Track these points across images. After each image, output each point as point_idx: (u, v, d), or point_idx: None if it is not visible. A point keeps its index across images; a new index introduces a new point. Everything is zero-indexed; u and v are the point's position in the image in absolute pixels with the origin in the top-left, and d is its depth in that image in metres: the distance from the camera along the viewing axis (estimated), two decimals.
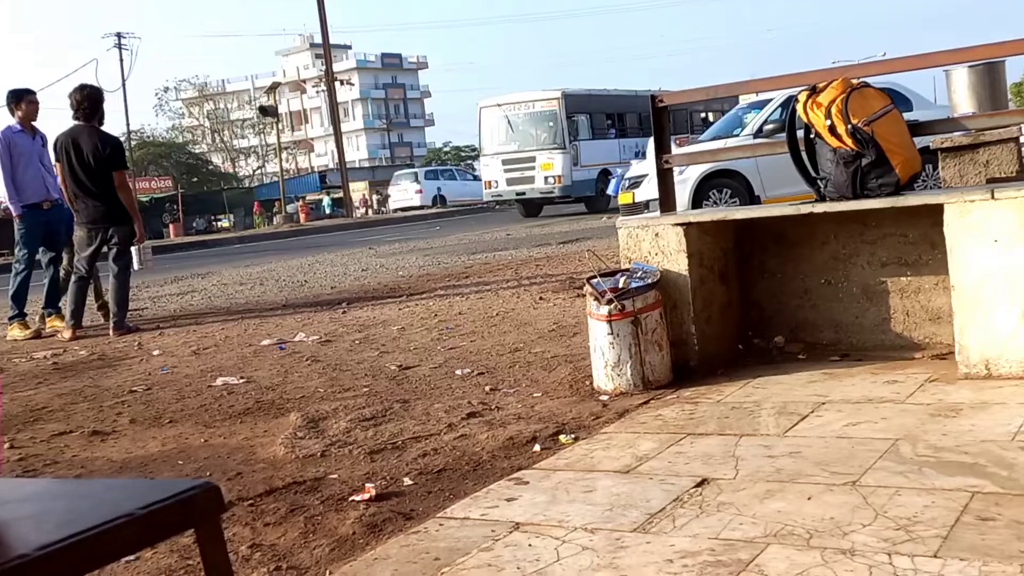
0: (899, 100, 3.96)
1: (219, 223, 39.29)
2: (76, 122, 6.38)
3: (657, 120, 3.91)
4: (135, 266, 6.54)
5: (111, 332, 6.31)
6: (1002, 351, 2.82)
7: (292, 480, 2.62)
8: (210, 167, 55.01)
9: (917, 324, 3.37)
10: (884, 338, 3.42)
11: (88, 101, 6.33)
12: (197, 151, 55.75)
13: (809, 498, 2.05)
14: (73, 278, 6.44)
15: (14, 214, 6.72)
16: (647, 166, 10.68)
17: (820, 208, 3.26)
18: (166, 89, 55.75)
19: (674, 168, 4.07)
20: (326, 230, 27.24)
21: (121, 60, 40.49)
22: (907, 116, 3.39)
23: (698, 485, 2.21)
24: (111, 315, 6.44)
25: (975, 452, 2.23)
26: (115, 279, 6.42)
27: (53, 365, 5.26)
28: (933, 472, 2.13)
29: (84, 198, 6.31)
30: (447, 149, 74.56)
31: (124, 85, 39.65)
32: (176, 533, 1.02)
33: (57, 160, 6.38)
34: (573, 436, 2.78)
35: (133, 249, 6.49)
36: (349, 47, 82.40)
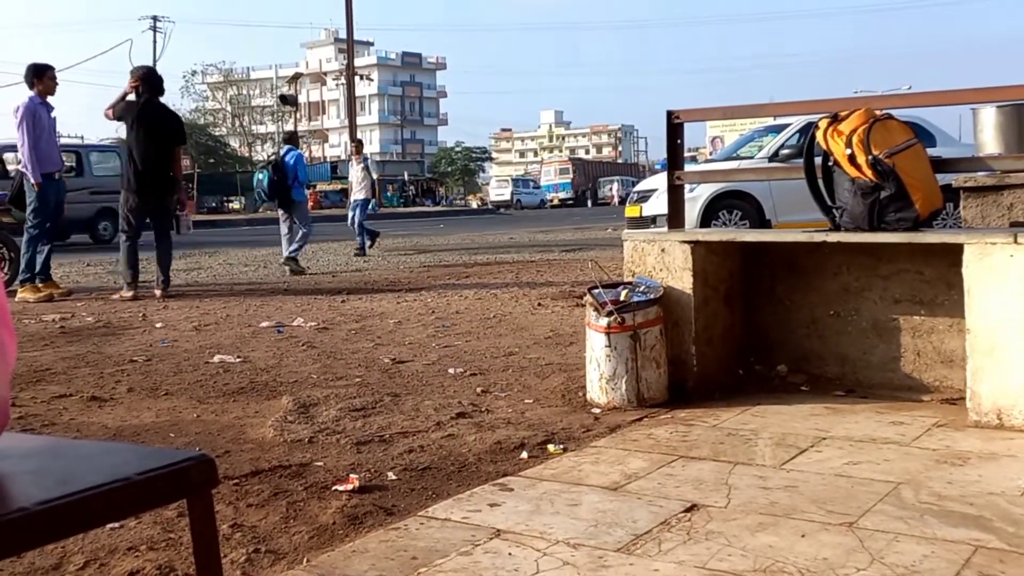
0: (923, 135, 3.88)
1: (230, 204, 39.44)
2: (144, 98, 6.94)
3: (671, 136, 3.83)
4: (179, 232, 7.03)
5: (158, 294, 6.77)
6: (1016, 401, 2.73)
7: (278, 463, 2.61)
8: (227, 150, 55.41)
9: (928, 366, 3.28)
10: (892, 377, 3.32)
11: (145, 81, 6.95)
12: (217, 133, 56.17)
13: (803, 535, 1.97)
14: (123, 239, 6.89)
15: (33, 182, 6.83)
16: (656, 180, 10.61)
17: (834, 237, 3.18)
18: (193, 72, 56.21)
19: (685, 185, 3.99)
20: (332, 219, 27.27)
21: (155, 42, 40.96)
22: (930, 152, 3.31)
23: (687, 510, 2.13)
24: (158, 281, 6.89)
25: (981, 504, 2.14)
26: (165, 246, 6.91)
27: (60, 329, 5.37)
28: (935, 521, 2.04)
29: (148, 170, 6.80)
30: (458, 149, 74.69)
31: (155, 66, 39.97)
32: (169, 502, 1.04)
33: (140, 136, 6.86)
34: (562, 447, 2.72)
35: (180, 215, 7.03)
36: (371, 44, 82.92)
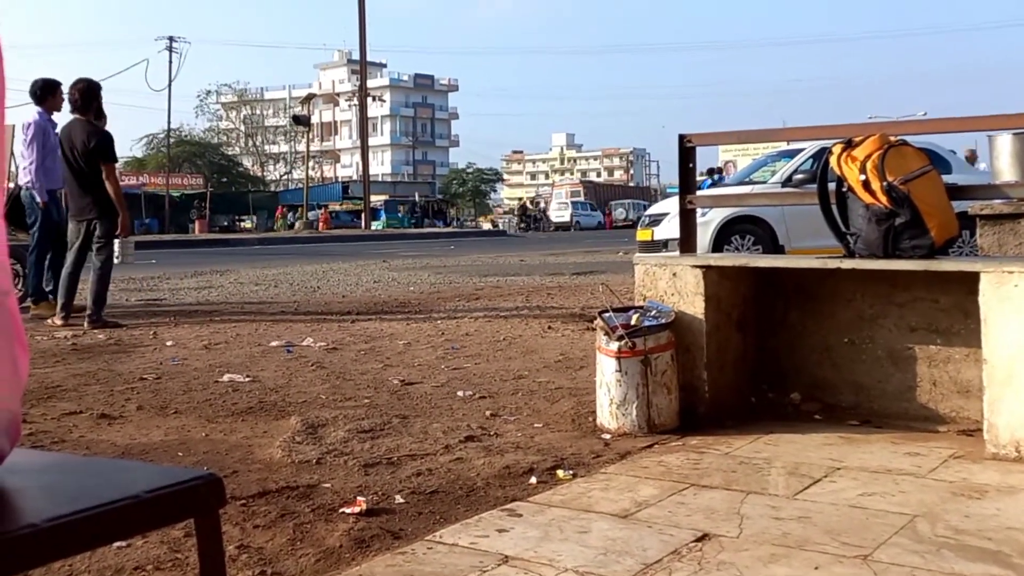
0: (938, 162, 3.86)
1: (242, 223, 39.73)
2: (73, 115, 6.41)
3: (683, 160, 3.81)
4: (115, 259, 6.45)
5: (85, 324, 6.19)
6: None
7: (286, 484, 2.59)
8: (240, 169, 55.90)
9: (944, 396, 3.23)
10: (908, 407, 3.27)
11: (81, 95, 6.33)
12: (230, 153, 56.68)
13: (816, 567, 1.93)
14: (64, 270, 6.47)
15: (39, 200, 6.78)
16: (668, 204, 10.59)
17: (848, 264, 3.15)
18: (208, 92, 56.82)
19: (697, 209, 3.98)
20: (343, 239, 27.38)
21: (170, 62, 41.52)
22: (946, 179, 3.28)
23: (698, 540, 2.10)
24: (86, 308, 6.32)
25: (999, 539, 2.09)
26: (94, 272, 6.35)
27: (72, 346, 5.38)
28: (952, 555, 2.00)
29: (75, 190, 6.36)
30: (470, 171, 75.05)
31: (170, 86, 40.42)
32: (177, 521, 1.03)
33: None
34: (571, 472, 2.69)
35: (116, 242, 6.39)
36: (384, 65, 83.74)
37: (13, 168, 6.98)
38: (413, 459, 2.86)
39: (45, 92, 6.78)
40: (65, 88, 6.61)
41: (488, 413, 3.50)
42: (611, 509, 2.33)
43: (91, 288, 6.32)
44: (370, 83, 47.77)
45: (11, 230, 6.97)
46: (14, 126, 7.01)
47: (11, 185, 7.24)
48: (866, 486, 2.51)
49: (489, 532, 2.17)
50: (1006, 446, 2.73)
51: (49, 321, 6.37)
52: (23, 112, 7.27)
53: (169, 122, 43.83)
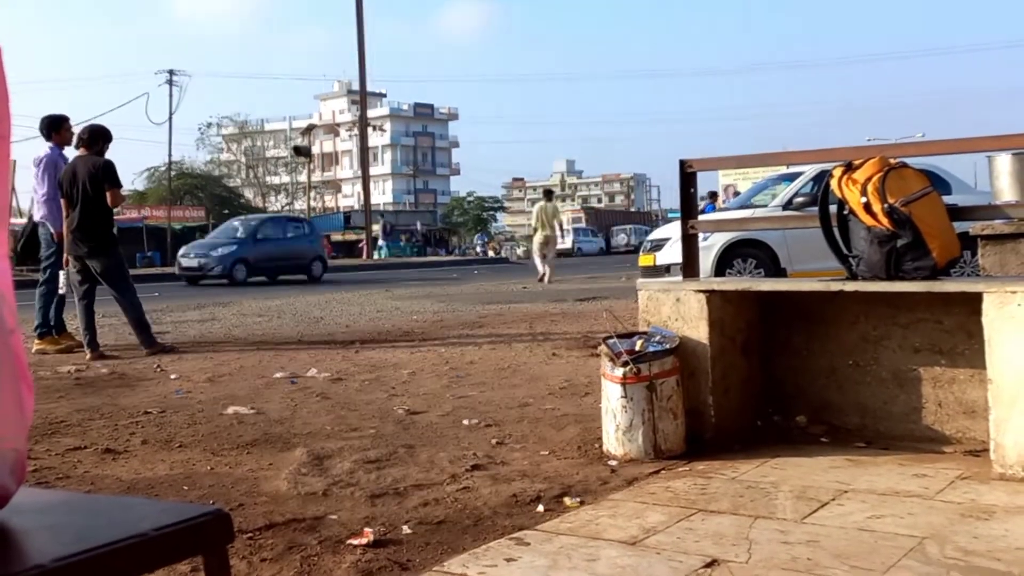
0: (938, 183, 3.87)
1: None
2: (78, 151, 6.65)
3: (684, 185, 3.84)
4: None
5: (145, 352, 6.45)
6: None
7: (292, 517, 2.59)
8: (242, 200, 56.13)
9: (950, 416, 3.23)
10: (913, 428, 3.27)
11: (87, 133, 6.60)
12: (231, 184, 56.95)
13: None
14: (77, 307, 6.57)
15: (53, 231, 6.86)
16: (670, 229, 10.62)
17: (851, 287, 3.16)
18: (208, 125, 57.27)
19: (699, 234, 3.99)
20: (345, 268, 27.43)
21: (171, 95, 41.81)
22: (946, 200, 3.30)
23: (707, 565, 2.09)
24: (138, 338, 6.54)
25: (1009, 560, 2.08)
26: (121, 306, 6.54)
27: (75, 381, 5.38)
28: None
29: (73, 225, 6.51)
30: (471, 199, 75.28)
31: (171, 119, 40.66)
32: (185, 558, 1.03)
33: (66, 195, 6.58)
34: (579, 500, 2.68)
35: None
36: (384, 95, 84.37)
37: (27, 204, 7.13)
38: (420, 489, 2.85)
39: (51, 128, 6.93)
40: (73, 124, 6.76)
41: (494, 441, 3.50)
42: (619, 536, 2.32)
43: (129, 322, 6.54)
44: (370, 113, 48.16)
45: (27, 267, 7.05)
46: (15, 161, 7.10)
47: (25, 220, 7.30)
48: (874, 509, 2.50)
49: (497, 561, 2.17)
50: (1013, 466, 2.72)
51: (86, 357, 6.45)
52: (22, 147, 7.40)
53: (170, 155, 44.07)
